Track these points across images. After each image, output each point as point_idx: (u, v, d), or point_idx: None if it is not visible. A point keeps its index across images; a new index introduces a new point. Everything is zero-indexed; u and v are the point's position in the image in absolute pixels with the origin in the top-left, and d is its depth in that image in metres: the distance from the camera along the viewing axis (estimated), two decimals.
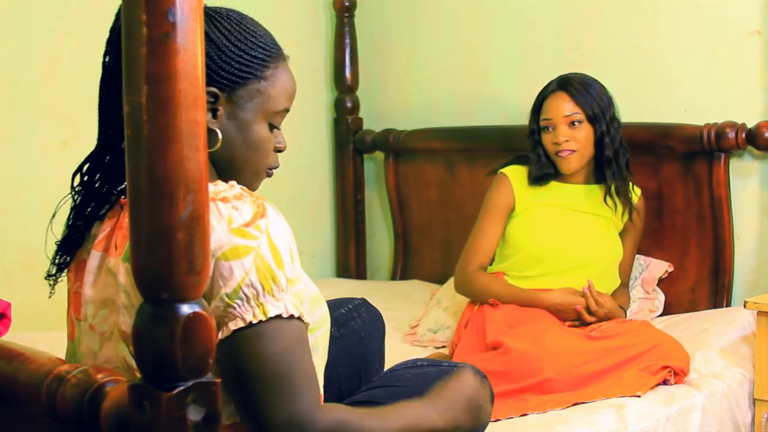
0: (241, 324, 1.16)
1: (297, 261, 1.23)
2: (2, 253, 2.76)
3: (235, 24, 1.33)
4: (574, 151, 2.50)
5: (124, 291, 1.25)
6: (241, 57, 1.32)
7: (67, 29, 2.87)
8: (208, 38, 1.29)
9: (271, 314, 1.16)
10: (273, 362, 1.17)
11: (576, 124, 2.49)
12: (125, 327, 1.25)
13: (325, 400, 1.48)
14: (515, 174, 2.61)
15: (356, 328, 1.83)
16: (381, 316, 1.92)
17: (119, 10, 1.28)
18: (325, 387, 1.54)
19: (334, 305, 1.85)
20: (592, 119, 2.49)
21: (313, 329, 1.33)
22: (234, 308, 1.16)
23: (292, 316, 1.19)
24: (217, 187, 1.22)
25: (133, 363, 1.22)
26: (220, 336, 1.16)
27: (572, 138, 2.49)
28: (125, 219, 1.28)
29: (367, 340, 1.83)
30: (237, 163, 1.36)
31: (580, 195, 2.57)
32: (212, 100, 1.31)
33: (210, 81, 1.29)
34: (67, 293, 1.41)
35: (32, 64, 2.81)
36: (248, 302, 1.16)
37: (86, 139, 2.86)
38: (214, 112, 1.32)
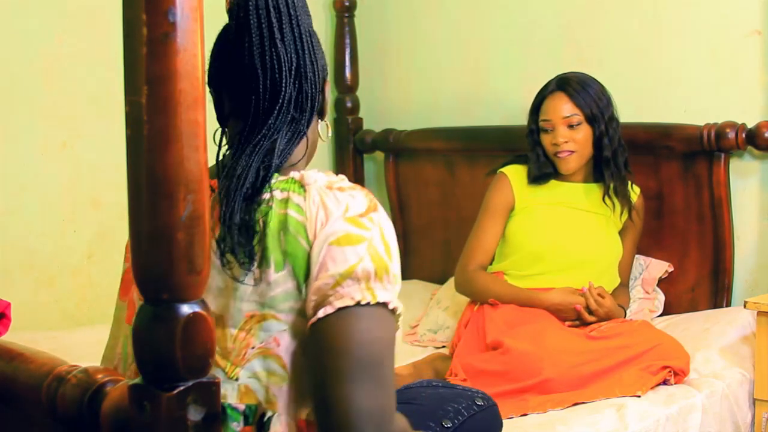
0: (349, 302, 1.15)
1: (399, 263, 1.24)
2: (2, 253, 2.76)
3: None
4: (573, 152, 2.50)
5: (218, 272, 1.21)
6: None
7: (67, 29, 2.87)
8: (316, 39, 1.35)
9: (380, 299, 1.16)
10: (370, 347, 1.15)
11: (575, 125, 2.49)
12: (214, 308, 1.21)
13: None
14: (515, 173, 2.61)
15: None
16: None
17: None
18: None
19: None
20: (590, 120, 2.50)
21: None
22: (343, 287, 1.15)
23: (395, 311, 1.19)
24: (330, 178, 1.24)
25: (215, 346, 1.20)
26: (321, 314, 1.14)
27: (571, 139, 2.49)
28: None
29: None
30: (311, 155, 1.39)
31: (580, 193, 2.58)
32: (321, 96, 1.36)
33: (325, 79, 1.37)
34: (123, 274, 1.38)
35: (32, 64, 2.81)
36: (359, 283, 1.15)
37: (86, 139, 2.88)
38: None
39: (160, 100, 0.88)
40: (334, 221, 1.17)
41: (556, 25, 3.09)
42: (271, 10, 1.27)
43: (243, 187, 1.20)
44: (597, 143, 2.51)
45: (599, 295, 2.45)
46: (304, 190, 1.21)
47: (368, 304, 1.15)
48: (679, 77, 2.84)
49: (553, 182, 2.59)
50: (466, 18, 3.31)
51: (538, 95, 2.58)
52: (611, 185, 2.53)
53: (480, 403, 1.64)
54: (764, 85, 2.68)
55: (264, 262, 1.17)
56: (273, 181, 1.23)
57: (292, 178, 1.23)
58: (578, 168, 2.55)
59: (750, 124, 2.62)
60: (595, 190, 2.58)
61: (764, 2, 2.66)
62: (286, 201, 1.20)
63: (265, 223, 1.18)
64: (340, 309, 1.14)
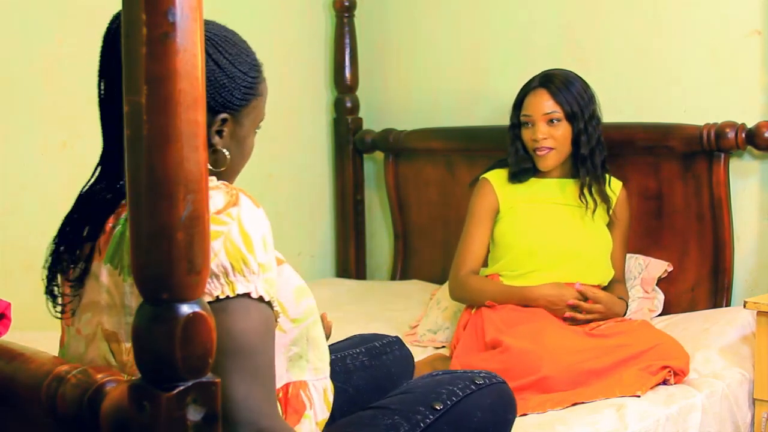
0: (209, 299, 1.17)
1: (271, 250, 1.26)
2: (2, 253, 2.76)
3: (235, 46, 1.38)
4: (551, 149, 2.54)
5: (106, 291, 1.28)
6: (245, 80, 1.37)
7: (67, 29, 2.87)
8: (219, 66, 1.34)
9: (240, 291, 1.19)
10: (239, 339, 1.18)
11: (554, 122, 2.52)
12: (108, 326, 1.28)
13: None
14: (496, 177, 2.65)
15: (387, 363, 1.85)
16: (412, 357, 1.94)
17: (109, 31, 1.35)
18: (348, 413, 1.55)
19: (369, 338, 1.90)
20: (570, 117, 2.53)
21: (299, 320, 1.37)
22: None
23: (261, 299, 1.21)
24: None
25: (113, 360, 1.26)
26: None
27: (550, 136, 2.53)
28: (110, 224, 1.32)
29: (396, 376, 1.84)
30: (229, 171, 1.40)
31: (561, 189, 2.60)
32: (222, 124, 1.36)
33: (222, 108, 1.35)
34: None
35: (32, 64, 2.81)
36: (218, 280, 1.18)
37: (86, 139, 2.88)
38: (220, 133, 1.37)
39: (160, 100, 0.88)
40: None
41: (556, 25, 3.09)
42: None
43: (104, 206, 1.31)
44: (575, 141, 2.54)
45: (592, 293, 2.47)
46: None
47: (227, 297, 1.18)
48: (679, 77, 2.84)
49: (532, 180, 2.62)
50: (466, 18, 3.31)
51: (522, 90, 2.62)
52: (586, 183, 2.55)
53: (480, 381, 1.58)
54: (764, 85, 2.68)
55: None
56: None
57: None
58: (556, 165, 2.57)
59: (750, 124, 2.62)
60: (573, 185, 2.60)
61: (764, 2, 2.66)
62: None
63: (122, 234, 1.24)
64: None
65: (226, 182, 1.29)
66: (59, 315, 1.40)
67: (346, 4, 3.45)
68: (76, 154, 2.87)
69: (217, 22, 1.41)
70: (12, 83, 2.78)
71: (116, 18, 1.35)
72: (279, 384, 1.36)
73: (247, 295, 1.19)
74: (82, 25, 2.87)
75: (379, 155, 3.53)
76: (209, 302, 1.16)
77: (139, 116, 0.89)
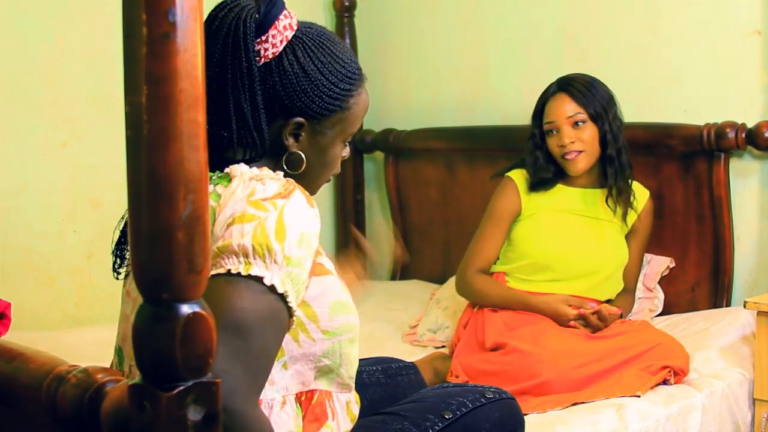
0: (221, 270, 1.18)
1: (307, 249, 1.24)
2: (2, 253, 2.76)
3: (330, 55, 1.36)
4: (581, 151, 2.45)
5: None
6: (331, 91, 1.36)
7: (67, 29, 2.87)
8: (303, 69, 1.34)
9: (253, 273, 1.18)
10: (236, 315, 1.16)
11: (580, 124, 2.45)
12: None
13: None
14: (522, 178, 2.56)
15: (402, 385, 1.86)
16: (426, 385, 1.95)
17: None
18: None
19: (385, 359, 1.94)
20: (594, 118, 2.45)
21: (331, 333, 1.35)
22: (222, 258, 1.18)
23: (274, 289, 1.19)
24: (258, 172, 1.29)
25: None
26: None
27: (577, 139, 2.44)
28: None
29: None
30: (309, 178, 1.40)
31: (587, 199, 2.54)
32: (297, 128, 1.36)
33: (299, 111, 1.35)
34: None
35: (32, 64, 2.81)
36: (236, 257, 1.18)
37: (86, 138, 2.88)
38: (296, 136, 1.37)
39: (160, 100, 0.88)
40: (236, 203, 1.22)
41: (556, 25, 3.09)
42: (228, 54, 1.31)
43: None
44: (602, 142, 2.47)
45: (600, 318, 2.41)
46: (230, 182, 1.27)
47: (239, 274, 1.17)
48: (679, 77, 2.84)
49: (559, 186, 2.54)
50: (466, 18, 3.31)
51: (541, 98, 2.54)
52: (614, 184, 2.49)
53: (490, 396, 1.59)
54: (764, 85, 2.68)
55: None
56: (213, 177, 1.29)
57: (226, 173, 1.30)
58: (587, 168, 2.48)
59: (750, 124, 2.62)
60: (599, 195, 2.54)
61: (764, 2, 2.66)
62: (210, 193, 1.24)
63: None
64: (213, 276, 1.16)
65: (291, 180, 1.29)
66: (116, 276, 1.42)
67: (346, 4, 3.45)
68: (76, 154, 2.87)
69: (324, 28, 1.40)
70: (12, 83, 2.78)
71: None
72: (305, 389, 1.36)
73: (260, 279, 1.18)
74: (82, 25, 2.88)
75: (379, 155, 3.53)
76: (220, 274, 1.17)
77: (139, 116, 0.89)
